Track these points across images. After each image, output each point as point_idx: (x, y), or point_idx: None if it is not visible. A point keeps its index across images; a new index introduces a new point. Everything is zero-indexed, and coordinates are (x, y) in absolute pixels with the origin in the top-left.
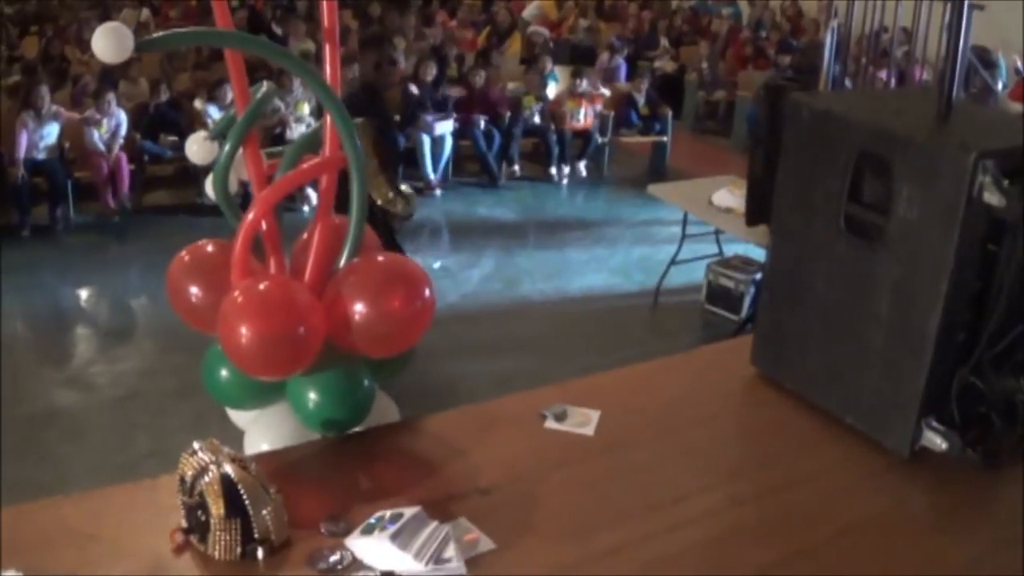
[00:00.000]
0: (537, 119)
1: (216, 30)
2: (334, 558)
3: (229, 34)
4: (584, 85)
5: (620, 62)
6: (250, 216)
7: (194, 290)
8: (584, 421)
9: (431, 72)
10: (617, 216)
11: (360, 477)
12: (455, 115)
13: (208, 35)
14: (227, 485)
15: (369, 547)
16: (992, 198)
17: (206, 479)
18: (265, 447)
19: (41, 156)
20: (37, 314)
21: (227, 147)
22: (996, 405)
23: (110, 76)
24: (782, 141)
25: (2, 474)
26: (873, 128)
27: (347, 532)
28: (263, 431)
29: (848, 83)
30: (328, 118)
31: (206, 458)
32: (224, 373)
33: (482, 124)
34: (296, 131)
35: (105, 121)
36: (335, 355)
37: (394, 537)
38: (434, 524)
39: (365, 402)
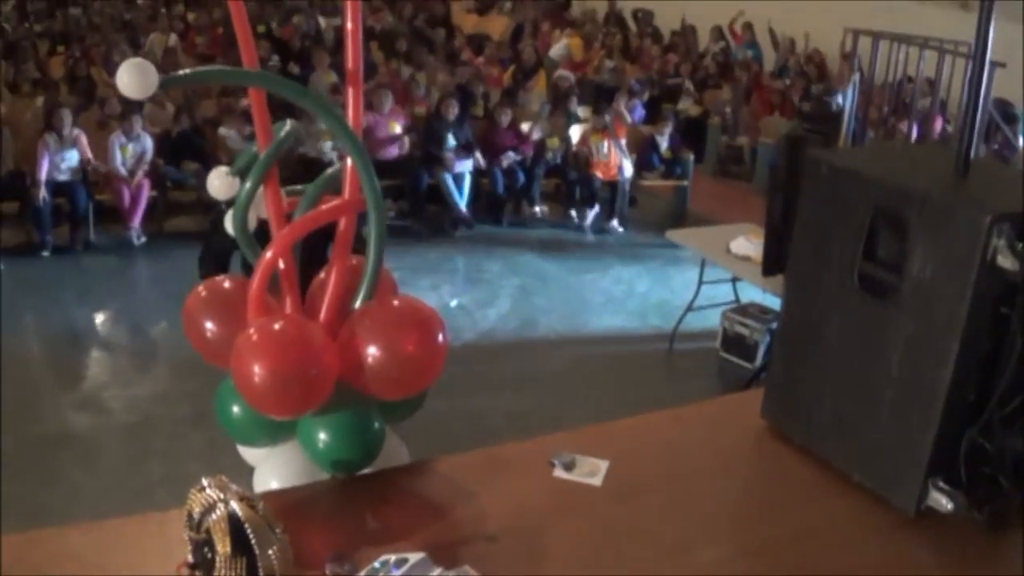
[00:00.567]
0: (559, 160)
1: (240, 70)
2: None
3: (253, 74)
4: (606, 119)
5: (637, 104)
6: (268, 254)
7: (209, 325)
8: (593, 471)
9: (454, 109)
10: (635, 258)
11: (368, 518)
12: (477, 153)
13: (232, 74)
14: (234, 523)
15: None
16: (1006, 262)
17: (213, 516)
18: (274, 484)
19: (63, 178)
20: (54, 334)
21: (248, 184)
22: (1004, 467)
23: (136, 102)
24: (800, 194)
25: (13, 495)
26: (889, 186)
27: (352, 574)
28: (273, 468)
29: (870, 133)
30: (349, 160)
31: (214, 495)
32: (236, 409)
33: (504, 163)
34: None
35: (131, 145)
36: (347, 396)
37: None
38: (438, 571)
39: (376, 444)
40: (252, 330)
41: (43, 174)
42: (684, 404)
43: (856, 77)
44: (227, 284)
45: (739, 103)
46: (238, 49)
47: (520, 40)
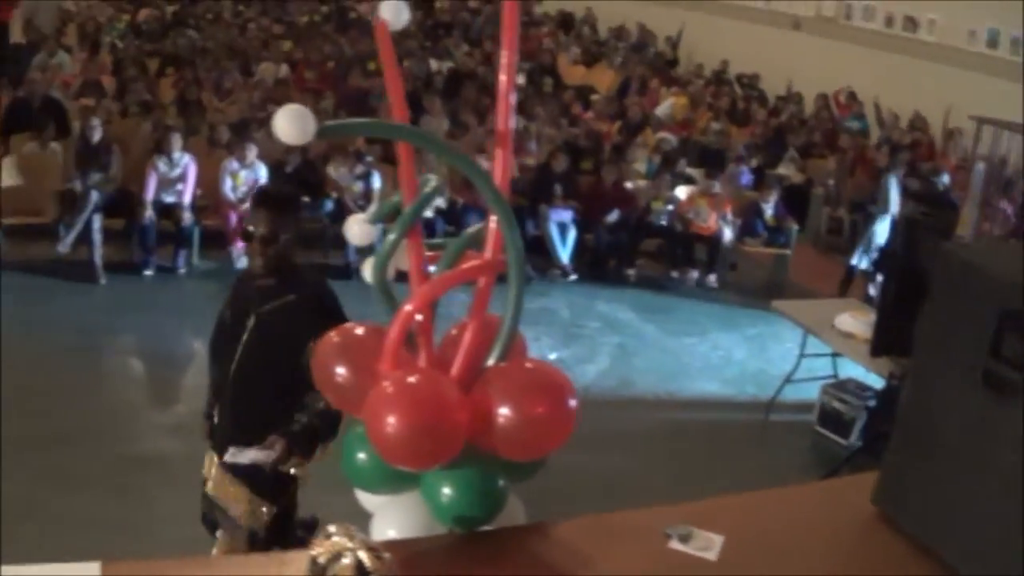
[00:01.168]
0: (664, 220)
1: (391, 124)
2: None
3: (404, 129)
4: (717, 187)
5: (744, 170)
6: (407, 308)
7: (340, 371)
8: (707, 545)
9: (563, 163)
10: (734, 325)
11: None
12: (582, 207)
13: (383, 128)
14: (361, 573)
15: None
16: None
17: (341, 563)
18: (392, 533)
19: (170, 199)
20: (151, 354)
21: (391, 236)
22: None
23: (247, 128)
24: (924, 283)
25: (96, 512)
26: (1019, 288)
27: None
28: (392, 517)
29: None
30: (493, 219)
31: (341, 543)
32: (362, 456)
33: (609, 220)
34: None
35: (243, 173)
36: (473, 453)
37: None
38: None
39: (498, 502)
40: (388, 382)
41: (150, 194)
42: (781, 477)
43: (980, 166)
44: (359, 331)
45: (844, 175)
46: (347, 85)
47: (626, 95)
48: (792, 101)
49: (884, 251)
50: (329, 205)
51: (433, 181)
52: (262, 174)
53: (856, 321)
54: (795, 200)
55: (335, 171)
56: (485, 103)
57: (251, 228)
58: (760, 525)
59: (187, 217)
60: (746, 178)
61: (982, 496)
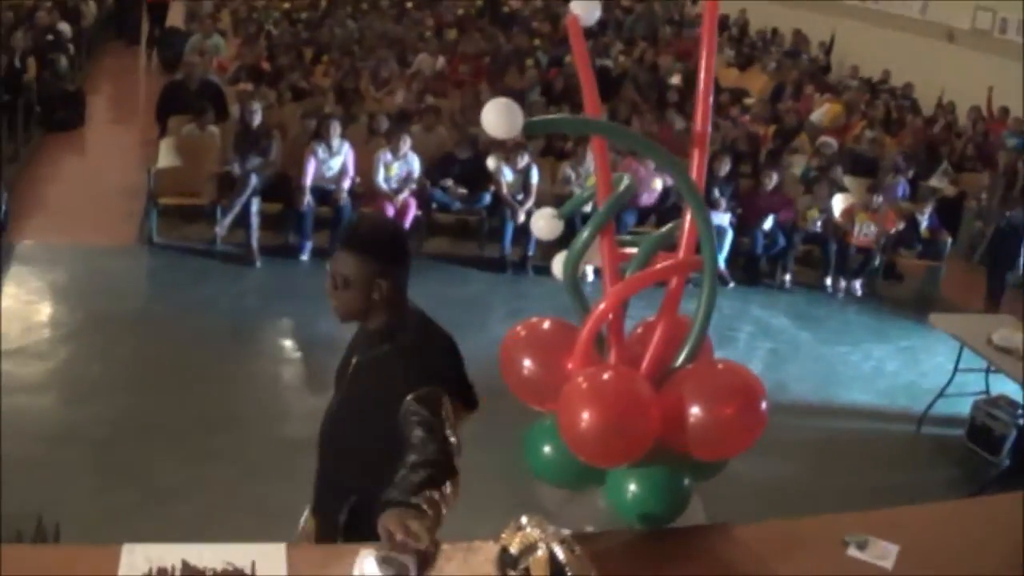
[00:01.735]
0: (818, 227)
1: (592, 120)
2: None
3: (603, 124)
4: (879, 201)
5: (901, 181)
6: (601, 307)
7: (527, 363)
8: (884, 554)
9: (726, 166)
10: (886, 336)
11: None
12: (739, 211)
13: (584, 124)
14: (555, 565)
15: None
16: None
17: (535, 556)
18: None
19: (329, 186)
20: (308, 338)
21: (585, 234)
22: None
23: (408, 120)
24: None
25: (258, 493)
26: None
27: None
28: (573, 512)
29: None
30: (687, 217)
31: (535, 534)
32: (548, 450)
33: (765, 225)
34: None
35: (396, 164)
36: (660, 451)
37: None
38: None
39: (683, 501)
40: (582, 378)
41: (308, 180)
42: (930, 490)
43: None
44: (546, 326)
45: (998, 190)
46: (502, 80)
47: (780, 100)
48: (946, 112)
49: None
50: (487, 198)
51: (626, 180)
52: (415, 166)
53: (1015, 337)
54: (947, 213)
55: (494, 164)
56: (641, 103)
57: (328, 267)
58: (936, 537)
59: (345, 203)
60: (902, 188)
61: None
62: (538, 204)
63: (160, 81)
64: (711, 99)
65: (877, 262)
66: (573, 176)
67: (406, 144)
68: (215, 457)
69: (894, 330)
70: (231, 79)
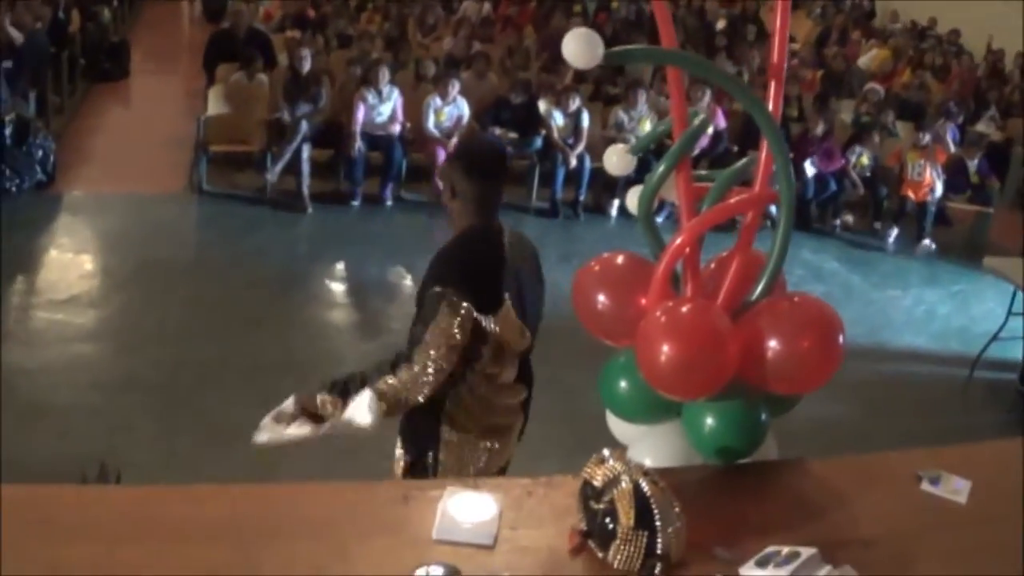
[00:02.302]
0: (868, 173)
1: (671, 51)
2: None
3: (679, 55)
4: (927, 139)
5: (952, 127)
6: (677, 241)
7: (601, 299)
8: (957, 489)
9: None
10: (937, 281)
11: (748, 509)
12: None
13: (662, 55)
14: (639, 497)
15: None
16: None
17: (619, 488)
18: (648, 463)
19: (379, 132)
20: (360, 284)
21: (660, 169)
22: None
23: (455, 66)
24: None
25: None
26: None
27: (740, 561)
28: (649, 448)
29: None
30: (764, 151)
31: (618, 467)
32: (624, 385)
33: (811, 171)
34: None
35: (446, 109)
36: (737, 385)
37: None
38: (827, 568)
39: (760, 435)
40: (660, 312)
41: (358, 126)
42: (983, 432)
43: None
44: (619, 260)
45: None
46: (549, 24)
47: (826, 45)
48: (994, 58)
49: None
50: (538, 142)
51: (701, 115)
52: (465, 110)
53: None
54: (994, 159)
55: (545, 108)
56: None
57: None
58: (1007, 473)
59: (396, 149)
60: (952, 134)
61: None
62: (588, 149)
63: (203, 31)
64: (787, 35)
65: (933, 211)
66: (626, 120)
67: (455, 89)
68: (276, 400)
69: (945, 275)
70: (276, 27)
